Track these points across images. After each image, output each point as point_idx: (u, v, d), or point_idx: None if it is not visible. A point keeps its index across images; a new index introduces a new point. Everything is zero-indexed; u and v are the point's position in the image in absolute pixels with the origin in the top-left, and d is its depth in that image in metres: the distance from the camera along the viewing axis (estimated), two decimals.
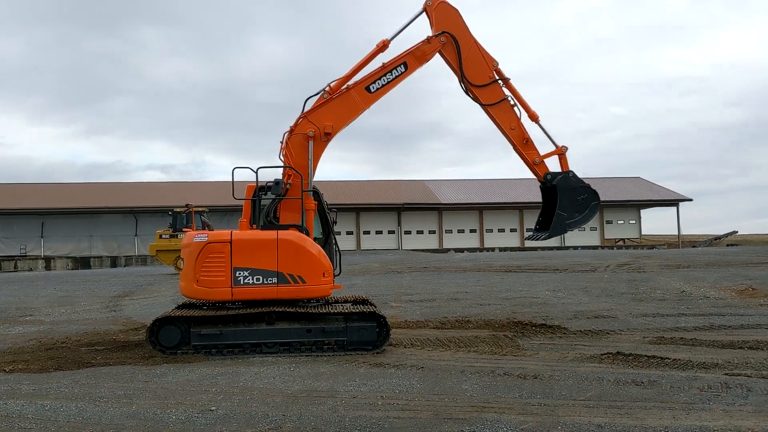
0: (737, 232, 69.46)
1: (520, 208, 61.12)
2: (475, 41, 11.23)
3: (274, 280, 9.75)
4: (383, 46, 10.94)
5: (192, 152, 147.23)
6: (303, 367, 8.72)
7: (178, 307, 10.57)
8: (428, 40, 11.00)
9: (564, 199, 11.21)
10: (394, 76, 10.90)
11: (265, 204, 10.54)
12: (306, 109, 10.68)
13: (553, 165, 11.57)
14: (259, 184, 10.41)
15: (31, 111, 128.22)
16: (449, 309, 14.60)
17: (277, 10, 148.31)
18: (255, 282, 9.74)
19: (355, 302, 11.01)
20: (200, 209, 31.95)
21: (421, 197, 60.25)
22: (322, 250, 10.12)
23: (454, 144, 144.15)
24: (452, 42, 11.05)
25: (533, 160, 11.39)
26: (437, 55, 11.21)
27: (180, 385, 7.79)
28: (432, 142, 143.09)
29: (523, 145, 11.40)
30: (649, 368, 8.20)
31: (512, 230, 61.97)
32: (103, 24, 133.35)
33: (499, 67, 11.30)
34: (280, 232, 9.94)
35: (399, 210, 59.37)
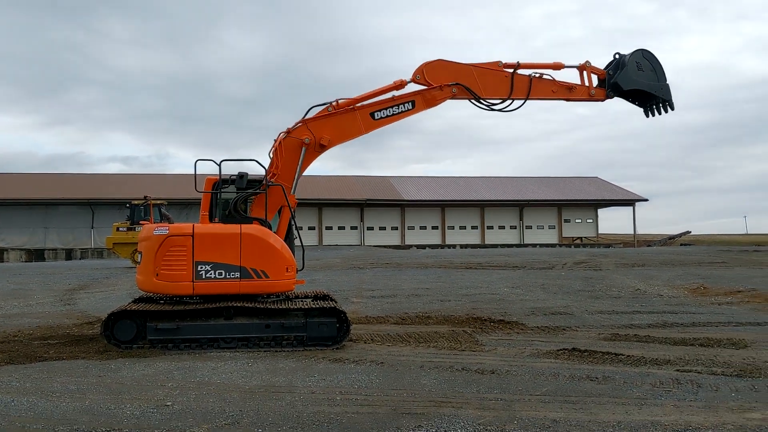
0: (690, 232, 71.39)
1: (481, 205, 61.68)
2: (475, 66, 11.26)
3: (237, 274, 9.66)
4: (399, 85, 11.02)
5: (155, 145, 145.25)
6: (261, 362, 8.66)
7: (135, 301, 10.39)
8: (440, 87, 11.04)
9: (640, 83, 11.47)
10: (400, 110, 10.95)
11: (226, 198, 10.44)
12: (308, 117, 10.66)
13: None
14: (222, 177, 10.29)
15: None
16: (410, 305, 14.65)
17: (246, 4, 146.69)
18: (217, 276, 9.63)
19: (315, 298, 10.95)
20: (159, 202, 31.46)
21: (384, 193, 60.32)
22: (285, 244, 10.06)
23: (420, 141, 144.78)
24: (462, 87, 11.09)
25: (590, 94, 11.67)
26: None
27: (135, 380, 7.67)
28: (399, 140, 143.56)
29: (571, 93, 11.65)
30: (603, 364, 8.35)
31: (473, 227, 62.50)
32: (69, 13, 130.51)
33: (503, 62, 11.41)
34: (243, 226, 9.84)
35: (362, 206, 59.34)
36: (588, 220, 65.65)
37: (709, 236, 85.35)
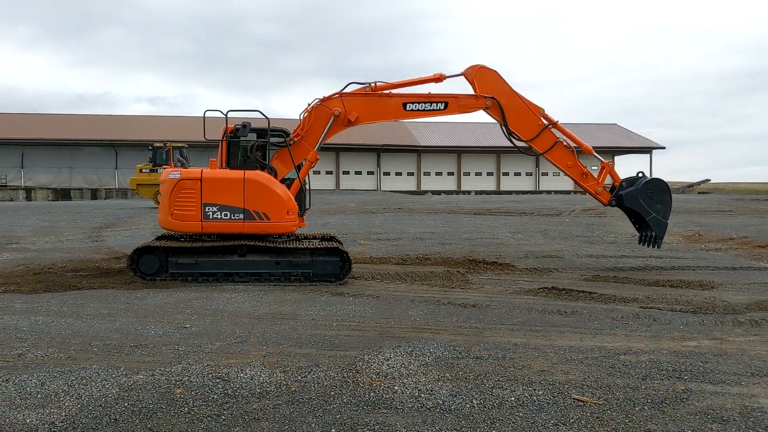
0: (710, 180, 71.22)
1: (497, 152, 61.99)
2: (519, 97, 11.72)
3: (240, 216, 10.64)
4: (438, 78, 11.67)
5: (182, 86, 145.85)
6: (271, 294, 9.69)
7: (158, 238, 11.44)
8: (476, 96, 11.59)
9: (642, 206, 11.87)
10: (431, 108, 11.58)
11: (244, 145, 11.35)
12: (345, 91, 11.44)
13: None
14: (229, 127, 11.17)
15: (20, 39, 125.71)
16: (413, 247, 15.60)
17: None
18: (223, 217, 10.63)
19: (322, 239, 11.93)
20: (179, 145, 32.47)
21: (401, 139, 60.86)
22: (287, 190, 10.96)
23: (443, 86, 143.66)
24: (497, 105, 11.62)
25: (595, 191, 12.11)
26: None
27: (158, 307, 8.74)
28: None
29: (582, 178, 12.11)
30: (576, 301, 9.26)
31: (489, 174, 63.05)
32: None
33: (546, 112, 11.82)
34: (247, 171, 10.77)
35: (378, 151, 60.02)
36: None
37: (731, 184, 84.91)
